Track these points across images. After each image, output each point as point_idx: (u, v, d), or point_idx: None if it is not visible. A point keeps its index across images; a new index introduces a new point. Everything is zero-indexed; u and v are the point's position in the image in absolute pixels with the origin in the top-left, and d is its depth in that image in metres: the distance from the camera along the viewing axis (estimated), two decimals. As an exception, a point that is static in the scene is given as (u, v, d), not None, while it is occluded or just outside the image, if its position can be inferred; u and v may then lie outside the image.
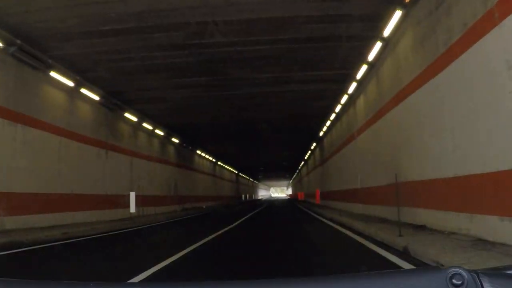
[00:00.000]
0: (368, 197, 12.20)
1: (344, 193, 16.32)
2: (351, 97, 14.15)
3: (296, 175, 60.39)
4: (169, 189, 22.46)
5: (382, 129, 10.54)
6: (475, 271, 0.86)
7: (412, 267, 4.42)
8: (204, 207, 28.04)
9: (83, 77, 13.00)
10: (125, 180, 16.79)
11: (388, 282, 0.92)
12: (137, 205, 17.80)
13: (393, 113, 9.45)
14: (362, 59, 11.10)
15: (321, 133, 22.75)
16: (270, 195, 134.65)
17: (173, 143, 23.74)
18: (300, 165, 46.35)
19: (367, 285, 0.91)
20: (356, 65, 11.65)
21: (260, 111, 18.19)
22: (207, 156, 33.39)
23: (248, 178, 71.91)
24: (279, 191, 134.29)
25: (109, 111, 15.53)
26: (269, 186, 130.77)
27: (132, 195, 15.06)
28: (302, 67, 12.59)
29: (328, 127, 20.29)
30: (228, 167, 46.36)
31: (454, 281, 0.83)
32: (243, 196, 58.59)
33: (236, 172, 54.81)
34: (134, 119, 17.39)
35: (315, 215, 15.99)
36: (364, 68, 11.36)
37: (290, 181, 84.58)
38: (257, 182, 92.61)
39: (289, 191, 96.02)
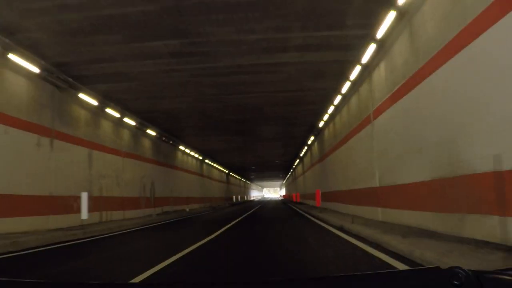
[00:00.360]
0: (394, 199, 9.01)
1: (354, 194, 13.13)
2: (365, 68, 10.96)
3: (290, 174, 57.23)
4: (144, 190, 19.13)
5: (421, 99, 7.34)
6: (475, 272, 0.88)
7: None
8: (187, 210, 24.72)
9: (12, 39, 9.68)
10: (81, 177, 13.44)
11: (388, 282, 0.94)
12: (98, 209, 14.50)
13: (446, 71, 6.26)
14: (387, 4, 7.91)
15: (321, 124, 19.55)
16: (263, 195, 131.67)
17: (149, 136, 20.39)
18: (295, 164, 43.17)
19: (367, 285, 0.92)
20: (378, 15, 8.44)
21: (248, 94, 14.93)
22: (192, 153, 30.05)
23: (239, 178, 68.63)
24: (272, 192, 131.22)
25: (56, 89, 12.19)
26: (262, 187, 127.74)
27: (84, 196, 11.74)
28: (303, 23, 9.35)
29: (331, 115, 17.10)
30: (217, 166, 43.04)
31: (454, 281, 0.85)
32: (234, 197, 55.24)
33: (227, 171, 51.50)
34: (93, 102, 14.04)
35: (319, 222, 12.76)
36: (390, 18, 8.16)
37: (284, 182, 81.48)
38: (249, 183, 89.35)
39: (283, 192, 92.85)
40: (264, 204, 41.51)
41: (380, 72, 9.88)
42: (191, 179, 30.16)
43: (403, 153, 8.33)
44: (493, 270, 0.96)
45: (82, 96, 13.33)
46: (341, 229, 9.77)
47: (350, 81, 12.34)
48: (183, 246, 7.44)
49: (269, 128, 22.45)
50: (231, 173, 55.58)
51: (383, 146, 9.87)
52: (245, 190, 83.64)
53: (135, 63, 11.65)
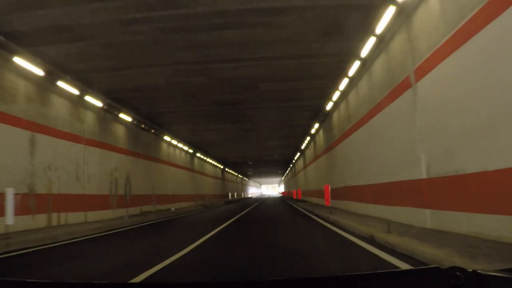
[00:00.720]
0: (459, 196, 5.76)
1: (379, 190, 9.90)
2: (401, 10, 7.72)
3: (289, 170, 54.08)
4: (116, 186, 15.87)
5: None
6: (475, 272, 0.88)
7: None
8: (172, 209, 21.45)
9: None
10: (18, 169, 10.19)
11: (388, 282, 0.94)
12: (46, 210, 11.27)
13: None
14: None
15: (328, 105, 16.28)
16: (261, 193, 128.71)
17: (123, 121, 17.09)
18: (295, 158, 39.97)
19: (367, 285, 0.93)
20: None
21: (238, 61, 11.64)
22: (180, 145, 26.74)
23: (236, 174, 65.40)
24: (271, 189, 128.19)
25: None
26: (260, 184, 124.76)
27: (9, 194, 8.50)
28: None
29: (343, 93, 13.84)
30: (211, 161, 39.78)
31: (454, 281, 0.85)
32: (230, 194, 51.98)
33: (222, 167, 48.25)
34: (38, 71, 10.78)
35: (333, 228, 9.50)
36: None
37: (282, 178, 78.40)
38: (246, 179, 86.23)
39: (281, 189, 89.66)
40: (262, 202, 38.27)
41: (430, 8, 6.61)
42: (179, 174, 26.90)
43: (486, 122, 5.08)
44: (493, 270, 0.93)
45: (19, 61, 10.06)
46: (372, 241, 6.55)
47: (375, 35, 9.07)
48: (132, 271, 4.33)
49: (267, 114, 19.20)
50: (226, 169, 52.35)
51: (435, 117, 6.62)
52: (242, 187, 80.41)
53: (79, 8, 8.35)
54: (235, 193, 59.30)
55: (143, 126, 19.22)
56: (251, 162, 47.75)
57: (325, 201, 13.32)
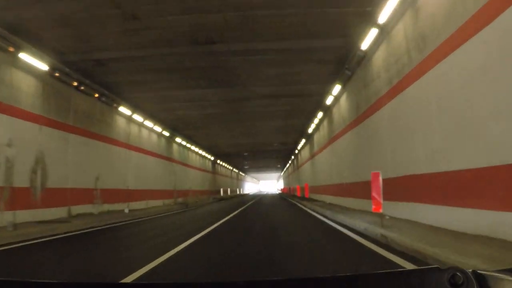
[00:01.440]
0: None
1: None
2: None
3: (291, 164, 47.70)
4: (7, 173, 9.46)
5: None
6: (475, 271, 0.87)
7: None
8: (126, 211, 14.93)
9: None
10: None
11: (387, 282, 0.93)
12: None
13: None
14: None
15: (367, 41, 9.68)
16: (259, 189, 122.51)
17: (32, 69, 10.54)
18: (298, 147, 33.54)
19: (367, 285, 0.92)
20: None
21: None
22: (148, 124, 20.16)
23: (231, 168, 58.97)
24: (269, 185, 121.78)
25: None
26: (258, 179, 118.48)
27: None
28: None
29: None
30: (197, 150, 33.34)
31: (454, 281, 0.84)
32: (222, 190, 45.46)
33: (213, 158, 41.82)
34: None
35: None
36: None
37: (282, 173, 72.07)
38: (243, 174, 79.87)
39: (281, 185, 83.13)
40: (259, 200, 31.86)
41: None
42: (147, 163, 20.38)
43: None
44: (493, 270, 0.91)
45: None
46: None
47: None
48: None
49: (263, 68, 12.81)
50: (218, 161, 45.90)
51: None
52: (238, 183, 73.96)
53: None
54: (229, 189, 52.80)
55: (76, 84, 12.74)
56: (246, 154, 41.33)
57: (372, 204, 6.90)
